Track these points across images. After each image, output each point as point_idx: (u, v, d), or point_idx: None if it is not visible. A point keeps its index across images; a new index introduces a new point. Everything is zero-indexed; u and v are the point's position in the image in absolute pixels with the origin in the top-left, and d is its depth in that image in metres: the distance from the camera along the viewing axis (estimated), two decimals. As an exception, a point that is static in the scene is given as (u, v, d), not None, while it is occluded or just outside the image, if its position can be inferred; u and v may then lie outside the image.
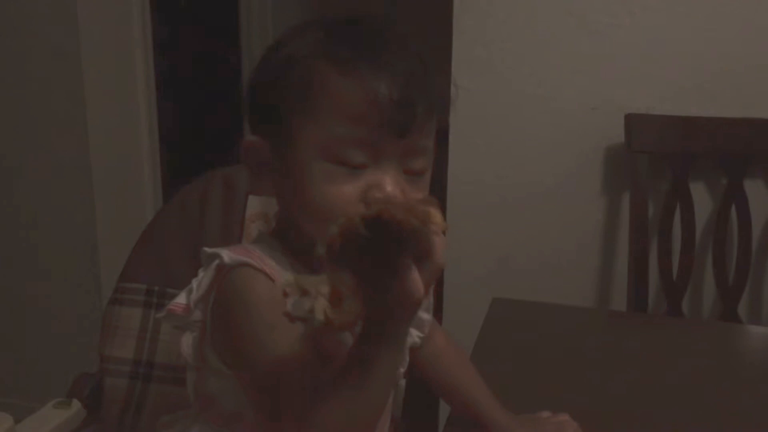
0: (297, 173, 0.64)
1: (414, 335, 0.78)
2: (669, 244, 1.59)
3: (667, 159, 1.59)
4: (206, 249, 0.67)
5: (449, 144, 1.72)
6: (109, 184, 1.97)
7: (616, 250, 1.68)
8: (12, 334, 2.16)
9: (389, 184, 0.62)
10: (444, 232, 0.51)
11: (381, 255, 0.48)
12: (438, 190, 1.77)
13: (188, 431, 0.72)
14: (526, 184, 1.70)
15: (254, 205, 1.01)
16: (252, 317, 0.62)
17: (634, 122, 1.58)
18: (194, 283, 0.68)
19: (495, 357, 1.02)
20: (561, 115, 1.65)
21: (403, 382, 1.00)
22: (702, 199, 1.62)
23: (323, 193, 0.62)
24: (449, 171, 1.73)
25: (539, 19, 1.61)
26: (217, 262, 0.65)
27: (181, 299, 0.68)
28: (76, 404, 0.97)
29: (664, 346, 1.13)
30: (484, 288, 1.52)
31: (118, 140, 1.94)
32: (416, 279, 0.50)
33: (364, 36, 0.64)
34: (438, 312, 1.72)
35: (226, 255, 0.64)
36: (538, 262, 1.71)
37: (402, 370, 0.76)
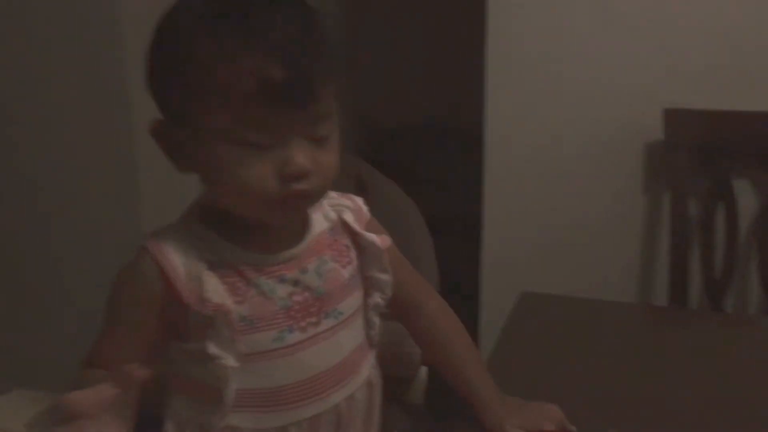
0: (206, 159, 0.65)
1: (377, 298, 0.78)
2: (711, 239, 1.57)
3: (707, 154, 1.56)
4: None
5: (484, 143, 1.73)
6: (156, 185, 2.04)
7: (656, 247, 1.66)
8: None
9: (299, 157, 0.64)
10: None
11: None
12: (474, 190, 1.79)
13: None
14: (563, 180, 1.70)
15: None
16: (110, 299, 0.70)
17: (672, 117, 1.56)
18: None
19: (519, 351, 1.03)
20: (598, 110, 1.64)
21: (424, 371, 1.02)
22: (744, 194, 1.59)
23: (236, 176, 0.64)
24: (486, 169, 1.75)
25: (575, 14, 1.60)
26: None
27: None
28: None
29: (704, 340, 1.11)
30: (521, 283, 1.53)
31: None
32: None
33: (248, 8, 0.63)
34: (475, 306, 1.74)
35: (148, 235, 0.69)
36: (576, 258, 1.71)
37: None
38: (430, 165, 3.06)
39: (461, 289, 1.98)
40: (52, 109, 1.98)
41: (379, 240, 0.77)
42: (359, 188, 1.02)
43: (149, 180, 1.99)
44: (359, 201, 0.80)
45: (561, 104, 1.66)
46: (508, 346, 1.02)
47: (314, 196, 0.70)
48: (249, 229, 0.69)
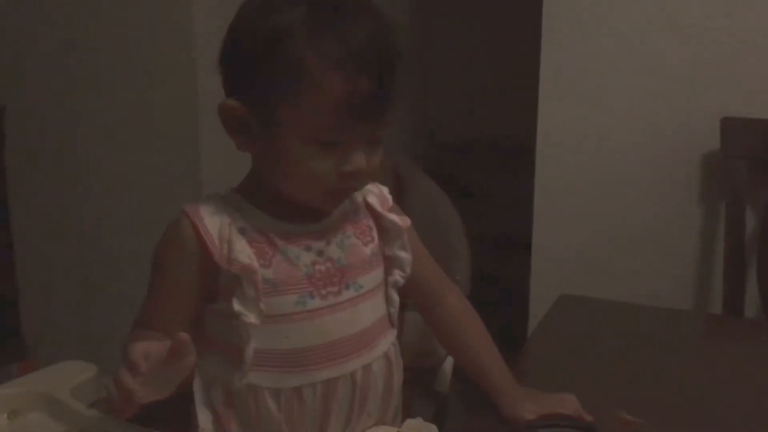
0: (279, 149, 0.72)
1: (397, 275, 0.83)
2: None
3: (764, 164, 1.53)
4: None
5: (537, 153, 1.74)
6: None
7: (711, 257, 1.62)
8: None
9: (359, 159, 0.71)
10: None
11: None
12: (524, 199, 1.80)
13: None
14: (618, 189, 1.69)
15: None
16: (154, 261, 0.76)
17: (729, 127, 1.53)
18: None
19: (548, 350, 1.04)
20: (654, 119, 1.62)
21: (449, 362, 1.04)
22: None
23: (302, 169, 0.71)
24: (537, 180, 1.75)
25: (630, 23, 1.60)
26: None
27: None
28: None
29: (750, 350, 1.09)
30: (573, 291, 1.53)
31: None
32: None
33: (346, 23, 0.69)
34: (525, 312, 1.74)
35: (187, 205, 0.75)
36: (629, 267, 1.68)
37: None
38: (486, 177, 3.07)
39: (512, 297, 1.99)
40: (125, 111, 2.11)
41: (400, 220, 0.82)
42: (396, 182, 1.05)
43: (212, 181, 2.08)
44: (383, 188, 0.85)
45: (615, 113, 1.65)
46: (537, 344, 1.03)
47: (359, 189, 0.79)
48: (282, 203, 0.75)
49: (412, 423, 0.87)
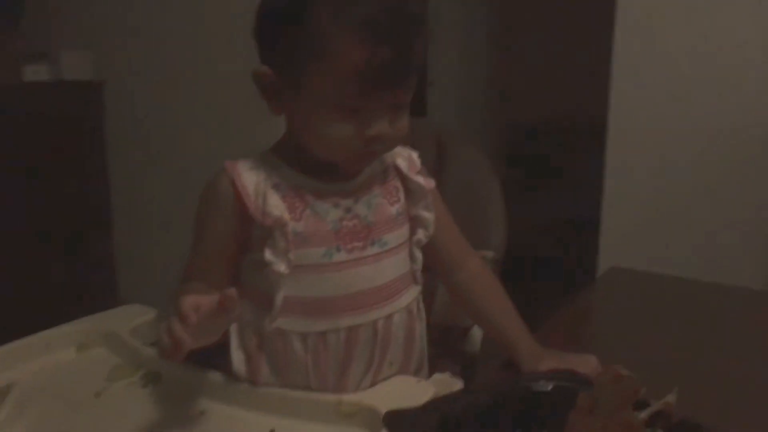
0: (306, 113, 0.77)
1: (421, 234, 0.86)
2: None
3: None
4: None
5: (608, 134, 1.72)
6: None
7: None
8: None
9: (381, 123, 0.75)
10: None
11: None
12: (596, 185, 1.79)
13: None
14: (689, 171, 1.65)
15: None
16: (196, 216, 0.82)
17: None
18: None
19: (584, 318, 1.04)
20: (727, 100, 1.58)
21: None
22: None
23: (327, 132, 0.75)
24: (608, 159, 1.74)
25: (706, 8, 1.56)
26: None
27: None
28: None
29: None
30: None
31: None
32: None
33: None
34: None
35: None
36: (698, 249, 1.65)
37: None
38: (563, 158, 3.04)
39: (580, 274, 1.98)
40: (212, 88, 2.23)
41: (425, 182, 0.86)
42: (439, 150, 1.09)
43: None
44: (413, 153, 0.89)
45: (688, 97, 1.62)
46: (572, 313, 1.04)
47: (386, 152, 0.83)
48: (313, 162, 0.80)
49: (438, 377, 0.91)
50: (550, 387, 0.68)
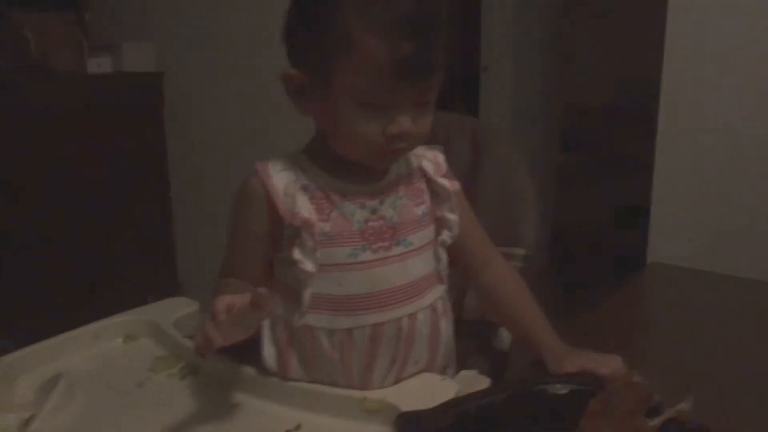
0: (333, 112, 0.78)
1: (445, 235, 0.88)
2: None
3: None
4: None
5: (659, 121, 1.69)
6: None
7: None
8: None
9: (404, 121, 0.77)
10: None
11: None
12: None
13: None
14: (740, 159, 1.61)
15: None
16: (231, 215, 0.85)
17: None
18: None
19: (621, 313, 1.04)
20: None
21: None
22: None
23: (351, 130, 0.77)
24: (658, 146, 1.70)
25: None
26: None
27: None
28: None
29: None
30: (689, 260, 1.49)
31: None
32: None
33: None
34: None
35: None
36: (747, 245, 1.60)
37: None
38: (622, 142, 2.98)
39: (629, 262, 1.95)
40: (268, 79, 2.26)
41: (449, 184, 0.88)
42: (473, 146, 1.09)
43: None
44: (440, 155, 0.90)
45: (738, 91, 1.57)
46: (609, 309, 1.03)
47: (410, 150, 0.84)
48: (341, 164, 0.82)
49: (465, 374, 0.93)
50: (566, 390, 0.70)
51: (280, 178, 0.82)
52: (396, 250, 0.83)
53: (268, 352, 0.86)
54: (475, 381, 0.91)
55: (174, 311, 1.02)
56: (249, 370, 0.87)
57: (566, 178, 3.55)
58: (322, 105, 0.80)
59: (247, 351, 0.96)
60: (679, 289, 1.14)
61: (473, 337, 0.94)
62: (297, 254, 0.80)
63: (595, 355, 0.85)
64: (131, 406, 0.83)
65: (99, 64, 2.56)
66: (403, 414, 0.63)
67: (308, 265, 0.80)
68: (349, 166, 0.82)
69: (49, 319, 1.71)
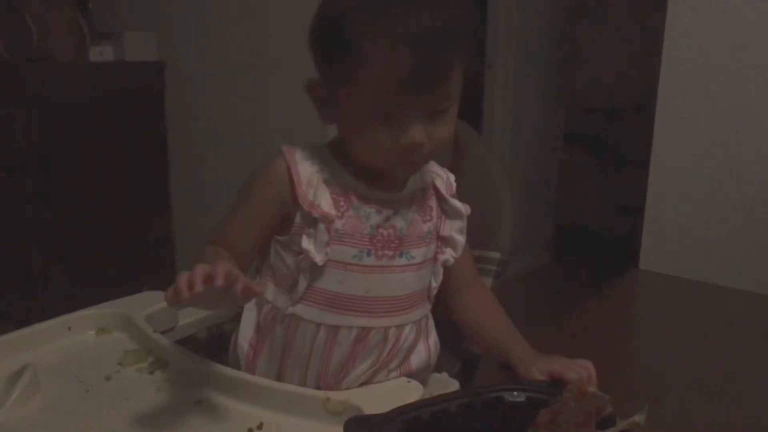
0: (348, 121, 0.80)
1: (448, 255, 0.88)
2: None
3: None
4: None
5: (656, 118, 1.67)
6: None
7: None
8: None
9: (415, 132, 0.76)
10: None
11: None
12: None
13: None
14: (734, 170, 1.59)
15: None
16: (243, 187, 0.85)
17: None
18: None
19: (597, 318, 1.03)
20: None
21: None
22: None
23: (365, 139, 0.79)
24: (654, 149, 1.70)
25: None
26: None
27: None
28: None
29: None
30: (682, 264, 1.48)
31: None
32: None
33: (397, 1, 0.74)
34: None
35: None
36: (740, 252, 1.59)
37: None
38: (621, 141, 2.97)
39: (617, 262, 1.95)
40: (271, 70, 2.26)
41: (463, 207, 0.89)
42: (455, 146, 1.09)
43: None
44: (451, 175, 0.92)
45: (739, 91, 1.56)
46: (587, 313, 1.03)
47: (426, 162, 0.85)
48: (363, 168, 0.83)
49: (436, 377, 0.93)
50: (522, 398, 0.69)
51: (305, 166, 0.83)
52: (398, 261, 0.84)
53: (244, 334, 0.86)
54: (445, 384, 0.91)
55: (146, 305, 1.02)
56: (217, 367, 0.86)
57: (568, 176, 3.55)
58: (340, 114, 0.81)
59: (216, 349, 0.97)
60: (659, 296, 1.13)
61: (443, 338, 0.93)
62: (306, 243, 0.81)
63: (565, 360, 0.84)
64: (97, 400, 0.83)
65: (101, 53, 2.57)
66: (352, 419, 0.63)
67: (317, 257, 0.80)
68: (370, 171, 0.83)
69: (43, 308, 1.72)
